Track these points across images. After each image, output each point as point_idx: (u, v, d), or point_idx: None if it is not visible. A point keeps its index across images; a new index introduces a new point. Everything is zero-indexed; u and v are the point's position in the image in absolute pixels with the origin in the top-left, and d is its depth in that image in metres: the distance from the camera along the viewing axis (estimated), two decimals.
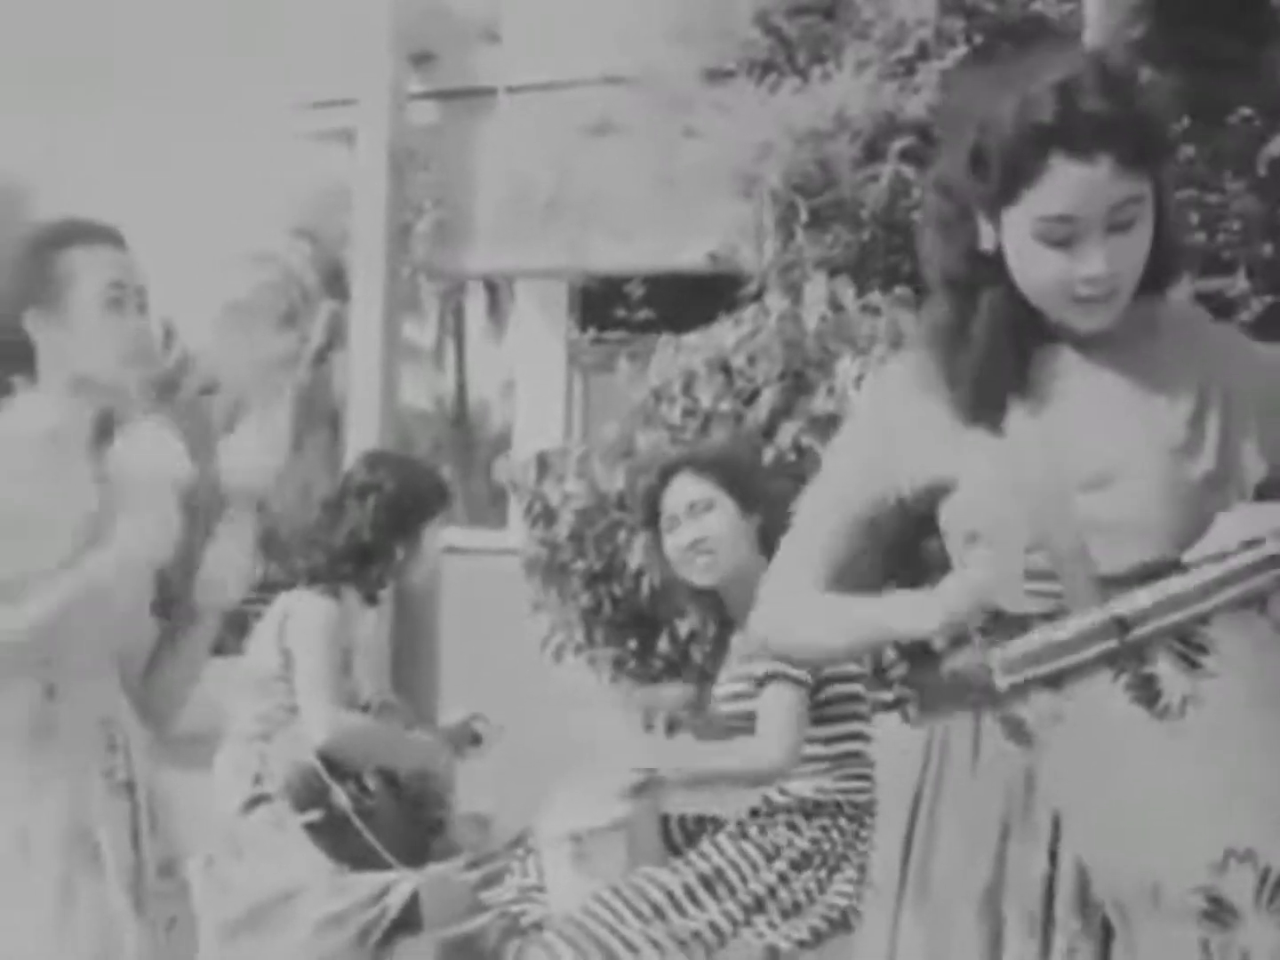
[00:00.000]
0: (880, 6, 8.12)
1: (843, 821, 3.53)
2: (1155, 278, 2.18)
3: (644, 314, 8.50)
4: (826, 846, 3.52)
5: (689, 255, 8.31)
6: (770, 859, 3.50)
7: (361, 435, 9.33)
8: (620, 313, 8.67)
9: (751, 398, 6.05)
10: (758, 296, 7.14)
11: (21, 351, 2.74)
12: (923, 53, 7.94)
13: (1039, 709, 2.10)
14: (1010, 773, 2.17)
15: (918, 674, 2.39)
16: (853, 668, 3.63)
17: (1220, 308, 6.93)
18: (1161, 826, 2.03)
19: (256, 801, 4.04)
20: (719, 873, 3.48)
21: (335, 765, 3.99)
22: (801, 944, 3.43)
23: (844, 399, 5.89)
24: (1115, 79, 2.11)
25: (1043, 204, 2.08)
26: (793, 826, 3.53)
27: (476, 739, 4.45)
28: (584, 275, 9.63)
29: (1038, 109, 2.07)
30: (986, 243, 2.16)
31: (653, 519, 3.75)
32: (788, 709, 3.47)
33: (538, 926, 3.52)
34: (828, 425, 5.64)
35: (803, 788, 3.55)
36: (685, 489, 3.68)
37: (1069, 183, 2.07)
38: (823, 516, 2.32)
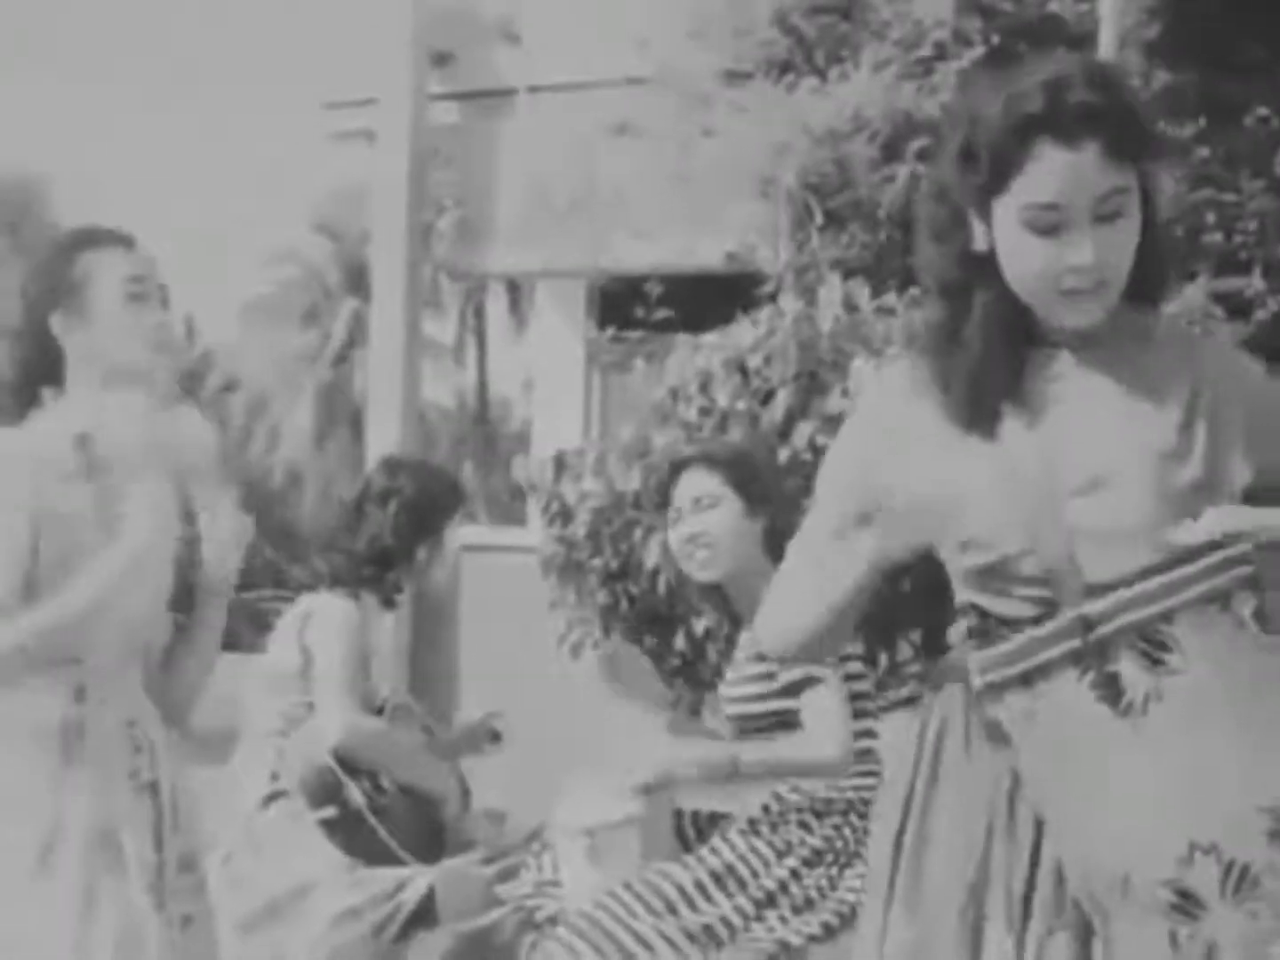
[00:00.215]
0: (898, 7, 8.10)
1: (854, 819, 3.54)
2: (1147, 288, 2.22)
3: (662, 313, 8.48)
4: (839, 844, 3.54)
5: (707, 255, 8.31)
6: (782, 855, 3.51)
7: (383, 432, 9.32)
8: (639, 312, 8.66)
9: (767, 398, 6.05)
10: (774, 297, 7.14)
11: (49, 363, 2.79)
12: (940, 53, 7.92)
13: (1013, 709, 2.14)
14: (997, 772, 2.20)
15: (930, 669, 2.43)
16: (862, 666, 3.65)
17: (1237, 307, 6.92)
18: (1128, 822, 2.06)
19: (273, 797, 4.07)
20: (730, 868, 3.49)
21: (349, 763, 4.01)
22: (812, 939, 3.44)
23: (858, 400, 5.88)
24: (1102, 74, 2.15)
25: (1030, 191, 2.12)
26: (804, 825, 3.55)
27: (495, 736, 4.49)
28: (603, 274, 9.63)
29: (1026, 101, 2.12)
30: (979, 243, 2.19)
31: (665, 510, 3.76)
32: (834, 709, 3.46)
33: (552, 921, 3.55)
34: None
35: (815, 786, 3.56)
36: (694, 483, 3.69)
37: (1055, 168, 2.10)
38: (824, 525, 2.36)
